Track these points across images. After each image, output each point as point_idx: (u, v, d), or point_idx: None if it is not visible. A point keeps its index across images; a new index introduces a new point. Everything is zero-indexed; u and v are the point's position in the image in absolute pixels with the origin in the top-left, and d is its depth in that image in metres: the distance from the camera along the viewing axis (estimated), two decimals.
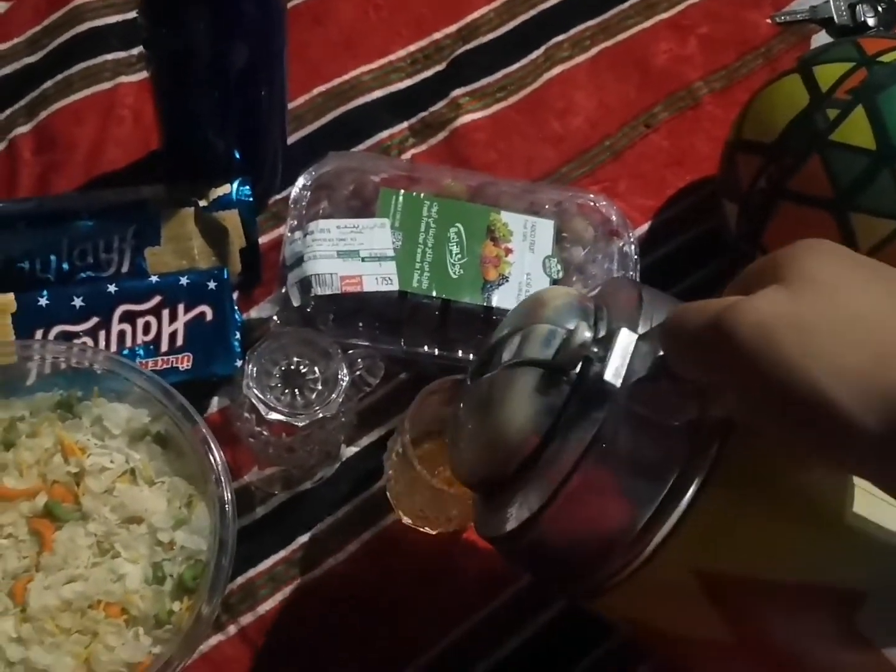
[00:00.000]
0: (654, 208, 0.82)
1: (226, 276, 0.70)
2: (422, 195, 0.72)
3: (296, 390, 0.62)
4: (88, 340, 0.67)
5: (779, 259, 0.39)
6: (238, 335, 0.69)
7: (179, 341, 0.68)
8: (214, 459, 0.59)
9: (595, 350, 0.44)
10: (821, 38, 0.91)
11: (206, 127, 0.71)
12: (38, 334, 0.66)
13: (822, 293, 0.37)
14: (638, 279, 0.73)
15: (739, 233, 0.73)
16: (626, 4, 0.90)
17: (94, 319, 0.67)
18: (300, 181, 0.73)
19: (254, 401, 0.60)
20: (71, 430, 0.62)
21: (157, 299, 0.68)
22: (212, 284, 0.69)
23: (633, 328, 0.44)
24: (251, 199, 0.72)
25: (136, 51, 0.82)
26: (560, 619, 0.66)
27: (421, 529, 0.67)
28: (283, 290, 0.69)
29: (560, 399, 0.45)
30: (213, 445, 0.59)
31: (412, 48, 0.86)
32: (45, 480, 0.60)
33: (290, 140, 0.79)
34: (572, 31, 0.89)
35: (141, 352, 0.67)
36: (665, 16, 0.91)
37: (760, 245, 0.70)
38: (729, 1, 0.92)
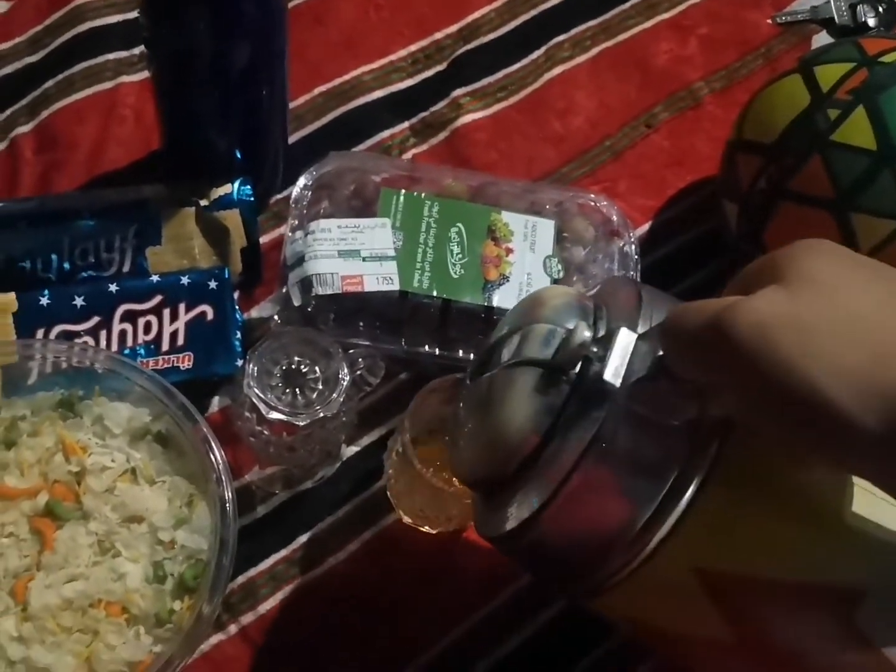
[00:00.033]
0: (654, 208, 0.82)
1: (227, 276, 0.70)
2: (423, 195, 0.72)
3: (296, 390, 0.62)
4: (89, 340, 0.67)
5: (778, 259, 0.39)
6: (239, 334, 0.69)
7: (180, 341, 0.68)
8: (215, 459, 0.59)
9: (594, 350, 0.45)
10: (821, 39, 0.91)
11: (207, 126, 0.71)
12: (40, 333, 0.66)
13: (821, 293, 0.37)
14: (638, 279, 0.73)
15: (740, 233, 0.73)
16: (627, 4, 0.91)
17: (96, 319, 0.67)
18: (301, 181, 0.73)
19: (254, 400, 0.61)
20: (72, 430, 0.62)
21: (158, 299, 0.68)
22: (213, 284, 0.69)
23: (633, 328, 0.44)
24: (252, 198, 0.73)
25: (137, 50, 0.82)
26: (560, 618, 0.66)
27: (421, 529, 0.67)
28: (284, 290, 0.69)
29: (559, 399, 0.45)
30: (213, 445, 0.59)
31: (413, 48, 0.86)
32: (47, 479, 0.60)
33: (291, 140, 0.79)
34: (573, 31, 0.89)
35: (142, 351, 0.67)
36: (666, 16, 0.91)
37: (761, 245, 0.70)
38: (729, 1, 0.92)
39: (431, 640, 0.65)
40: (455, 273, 0.70)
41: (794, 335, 0.36)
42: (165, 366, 0.67)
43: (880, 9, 0.92)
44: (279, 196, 0.78)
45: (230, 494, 0.58)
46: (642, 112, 0.86)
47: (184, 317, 0.68)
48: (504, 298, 0.69)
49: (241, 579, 0.65)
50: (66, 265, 0.70)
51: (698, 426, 0.43)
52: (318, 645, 0.64)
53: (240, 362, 0.68)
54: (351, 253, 0.69)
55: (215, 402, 0.70)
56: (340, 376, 0.62)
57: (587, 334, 0.45)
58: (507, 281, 0.70)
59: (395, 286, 0.69)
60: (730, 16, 0.91)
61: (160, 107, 0.71)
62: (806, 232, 0.41)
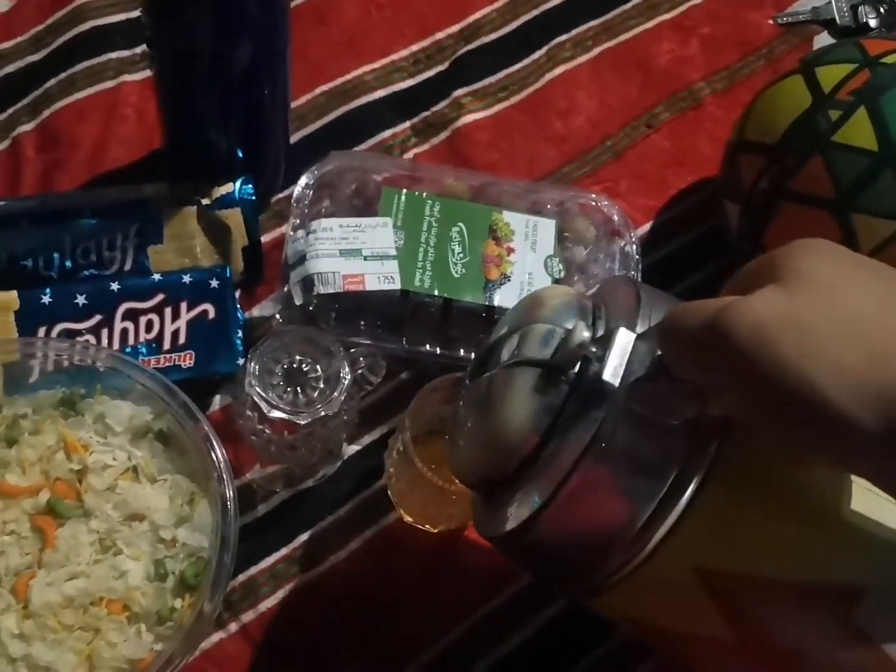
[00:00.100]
0: (655, 208, 0.82)
1: (228, 275, 0.70)
2: (424, 194, 0.73)
3: (298, 388, 0.63)
4: (91, 338, 0.67)
5: (776, 258, 0.39)
6: (240, 333, 0.70)
7: (182, 339, 0.68)
8: (216, 457, 0.59)
9: (593, 349, 0.45)
10: (823, 40, 0.91)
11: (208, 126, 0.71)
12: (41, 332, 0.66)
13: (819, 293, 0.37)
14: (639, 279, 0.73)
15: (741, 233, 0.73)
16: (629, 5, 0.91)
17: (97, 317, 0.67)
18: (302, 180, 0.73)
19: (256, 399, 0.61)
20: (73, 428, 0.62)
21: (159, 297, 0.68)
22: (214, 283, 0.69)
23: (632, 327, 0.44)
24: (254, 197, 0.73)
25: (139, 49, 0.82)
26: (561, 617, 0.66)
27: (422, 527, 0.67)
28: (286, 289, 0.69)
29: (559, 398, 0.45)
30: (215, 443, 0.59)
31: (414, 48, 0.86)
32: (48, 477, 0.60)
33: (293, 139, 0.79)
34: (574, 32, 0.89)
35: (143, 350, 0.67)
36: (667, 16, 0.91)
37: (762, 245, 0.70)
38: (731, 2, 0.92)
39: (432, 638, 0.65)
40: (456, 272, 0.70)
41: (792, 335, 0.36)
42: (167, 364, 0.67)
43: (882, 10, 0.92)
44: (281, 195, 0.78)
45: (231, 493, 0.58)
46: (643, 112, 0.86)
47: (185, 315, 0.68)
48: (505, 298, 0.70)
49: (241, 578, 0.65)
50: (68, 263, 0.70)
51: (697, 426, 0.43)
52: (319, 643, 0.65)
53: (241, 361, 0.68)
54: (352, 252, 0.69)
55: (216, 401, 0.70)
56: (342, 375, 0.62)
57: (586, 334, 0.45)
58: (509, 280, 0.70)
59: (397, 285, 0.69)
60: (731, 16, 0.91)
61: (162, 106, 0.71)
62: (807, 232, 0.41)
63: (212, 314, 0.69)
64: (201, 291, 0.69)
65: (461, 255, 0.71)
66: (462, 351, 0.69)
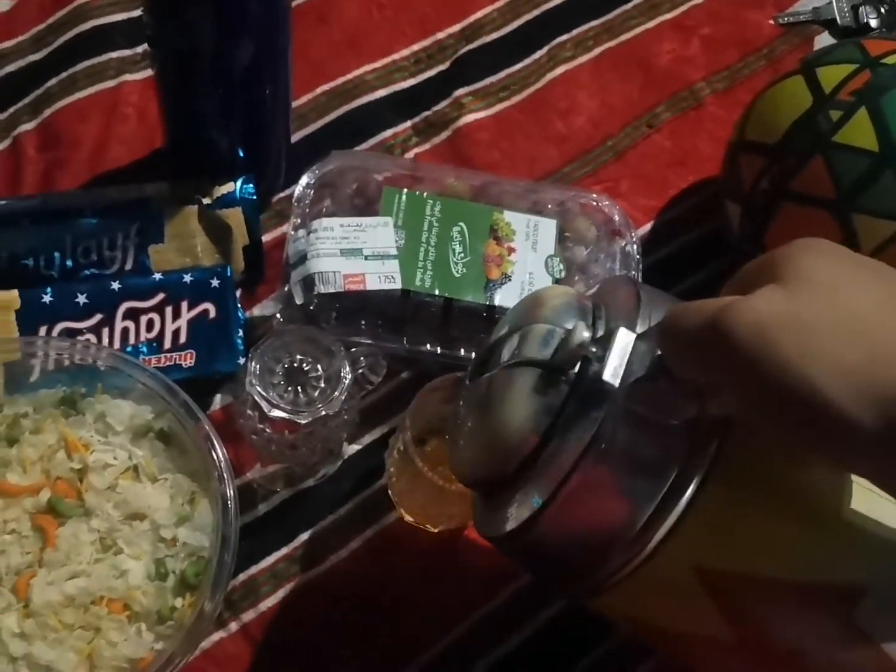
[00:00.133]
0: (656, 208, 0.82)
1: (229, 274, 0.70)
2: (425, 194, 0.73)
3: (298, 388, 0.63)
4: (92, 337, 0.67)
5: (776, 258, 0.39)
6: (241, 333, 0.70)
7: (182, 338, 0.68)
8: (217, 456, 0.59)
9: (593, 350, 0.45)
10: (824, 40, 0.91)
11: (210, 125, 0.71)
12: (42, 331, 0.66)
13: (819, 292, 0.37)
14: (640, 279, 0.73)
15: (742, 233, 0.73)
16: (630, 5, 0.91)
17: (98, 316, 0.67)
18: (303, 179, 0.73)
19: (256, 398, 0.61)
20: (74, 427, 0.62)
21: (160, 296, 0.68)
22: (215, 282, 0.69)
23: (632, 327, 0.44)
24: (255, 197, 0.73)
25: (140, 49, 0.82)
26: (561, 617, 0.66)
27: (422, 527, 0.67)
28: (286, 288, 0.69)
29: (559, 399, 0.45)
30: (215, 442, 0.59)
31: (416, 47, 0.86)
32: (49, 476, 0.60)
33: (294, 138, 0.79)
34: (575, 31, 0.89)
35: (144, 349, 0.67)
36: (668, 16, 0.91)
37: (763, 245, 0.70)
38: (732, 2, 0.92)
39: (432, 638, 0.65)
40: (457, 272, 0.70)
41: (792, 335, 0.36)
42: (167, 363, 0.67)
43: (882, 10, 0.92)
44: (282, 195, 0.78)
45: (232, 492, 0.58)
46: (644, 112, 0.86)
47: (186, 315, 0.68)
48: (506, 298, 0.70)
49: (242, 577, 0.65)
50: (69, 263, 0.70)
51: (698, 426, 0.43)
52: (320, 643, 0.65)
53: (242, 360, 0.68)
54: (353, 251, 0.69)
55: (217, 400, 0.70)
56: (342, 374, 0.62)
57: (586, 334, 0.45)
58: (509, 280, 0.70)
59: (397, 285, 0.69)
60: (732, 16, 0.91)
61: (163, 105, 0.71)
62: (808, 232, 0.41)
63: (212, 313, 0.69)
64: (202, 291, 0.69)
65: (462, 254, 0.71)
66: (463, 350, 0.70)
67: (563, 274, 0.72)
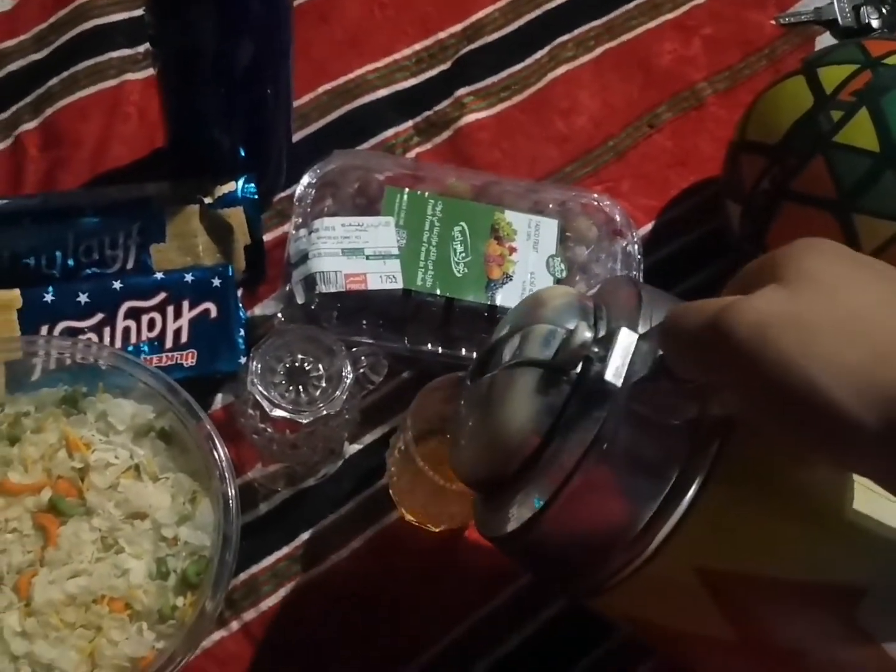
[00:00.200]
0: (657, 208, 0.82)
1: (230, 274, 0.70)
2: (426, 194, 0.73)
3: (300, 387, 0.63)
4: (93, 336, 0.67)
5: (777, 258, 0.39)
6: (242, 332, 0.70)
7: (184, 338, 0.68)
8: (218, 456, 0.59)
9: (595, 350, 0.45)
10: (825, 40, 0.91)
11: (211, 124, 0.71)
12: (44, 330, 0.66)
13: (821, 292, 0.37)
14: (641, 279, 0.73)
15: (742, 233, 0.73)
16: (631, 5, 0.91)
17: (100, 315, 0.67)
18: (305, 179, 0.73)
19: (258, 398, 0.61)
20: (76, 426, 0.62)
21: (161, 296, 0.68)
22: (216, 281, 0.69)
23: (633, 328, 0.44)
24: (256, 196, 0.73)
25: (141, 48, 0.82)
26: (561, 618, 0.66)
27: (423, 527, 0.67)
28: (288, 288, 0.69)
29: (560, 399, 0.45)
30: (217, 442, 0.59)
31: (417, 47, 0.86)
32: (50, 475, 0.60)
33: (295, 138, 0.79)
34: (577, 32, 0.89)
35: (145, 348, 0.67)
36: (669, 16, 0.91)
37: (763, 246, 0.70)
38: (733, 2, 0.92)
39: (432, 638, 0.65)
40: (458, 272, 0.70)
41: (794, 334, 0.36)
42: (169, 363, 0.67)
43: (884, 10, 0.92)
44: (283, 194, 0.78)
45: (233, 491, 0.58)
46: (645, 112, 0.86)
47: (187, 314, 0.68)
48: (507, 297, 0.70)
49: (243, 576, 0.65)
50: (71, 262, 0.70)
51: (699, 426, 0.43)
52: (320, 642, 0.65)
53: (243, 360, 0.68)
54: (354, 251, 0.69)
55: (218, 400, 0.70)
56: (343, 374, 0.62)
57: (588, 334, 0.45)
58: (511, 280, 0.71)
59: (399, 284, 0.69)
60: (733, 16, 0.91)
61: (164, 104, 0.71)
62: (808, 233, 0.41)
63: (214, 313, 0.69)
64: (203, 290, 0.69)
65: (463, 254, 0.71)
66: (464, 350, 0.70)
67: (564, 274, 0.72)
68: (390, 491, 0.67)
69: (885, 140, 0.64)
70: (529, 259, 0.72)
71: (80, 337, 0.66)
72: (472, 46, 0.87)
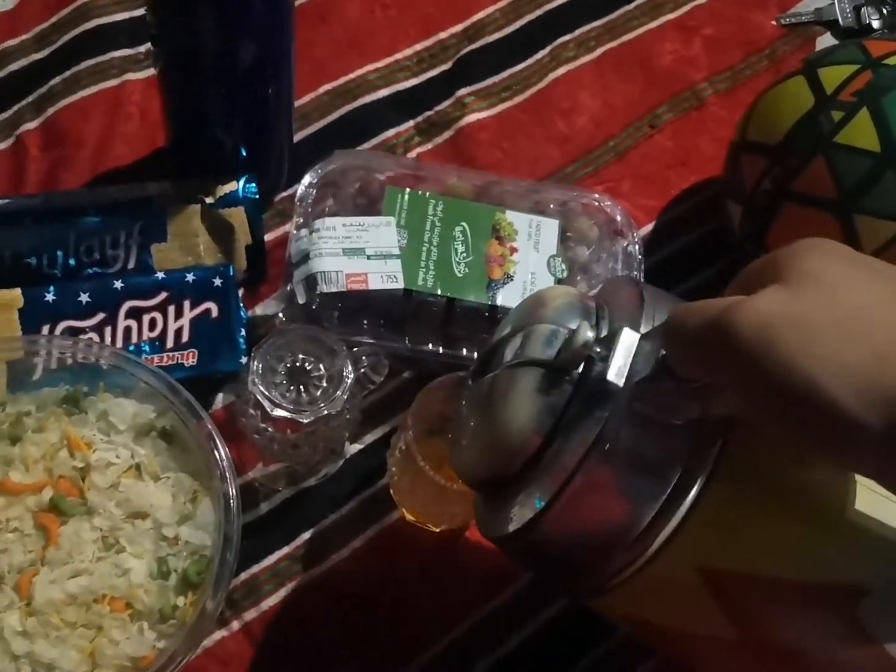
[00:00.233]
0: (658, 209, 0.82)
1: (231, 273, 0.70)
2: (427, 194, 0.73)
3: (301, 387, 0.63)
4: (94, 336, 0.67)
5: (779, 258, 0.39)
6: (243, 332, 0.70)
7: (185, 338, 0.68)
8: (219, 455, 0.59)
9: (597, 350, 0.44)
10: (826, 41, 0.91)
11: (212, 124, 0.71)
12: (45, 329, 0.66)
13: (823, 292, 0.37)
14: (642, 279, 0.73)
15: (743, 234, 0.73)
16: (632, 5, 0.91)
17: (101, 315, 0.67)
18: (306, 179, 0.73)
19: (259, 397, 0.61)
20: (77, 425, 0.62)
21: (162, 295, 0.68)
22: (217, 281, 0.69)
23: (635, 328, 0.44)
24: (257, 196, 0.73)
25: (143, 48, 0.82)
26: (561, 618, 0.66)
27: (424, 527, 0.67)
28: (289, 288, 0.69)
29: (562, 399, 0.45)
30: (218, 441, 0.59)
31: (418, 47, 0.86)
32: (51, 475, 0.60)
33: (297, 138, 0.79)
34: (578, 32, 0.89)
35: (146, 348, 0.67)
36: (670, 17, 0.91)
37: (764, 246, 0.70)
38: (734, 2, 0.92)
39: (432, 638, 0.65)
40: (459, 272, 0.70)
41: (795, 335, 0.36)
42: (170, 362, 0.67)
43: (884, 11, 0.92)
44: (284, 194, 0.78)
45: (234, 491, 0.58)
46: (646, 112, 0.86)
47: (188, 314, 0.68)
48: (508, 297, 0.70)
49: (244, 576, 0.65)
50: (72, 262, 0.70)
51: (701, 426, 0.43)
52: (321, 642, 0.65)
53: (244, 359, 0.68)
54: (355, 251, 0.69)
55: (219, 399, 0.70)
56: (344, 374, 0.62)
57: (590, 334, 0.45)
58: (511, 280, 0.71)
59: (400, 284, 0.69)
60: (734, 17, 0.92)
61: (166, 104, 0.71)
62: (809, 233, 0.41)
63: (215, 312, 0.69)
64: (204, 290, 0.69)
65: (464, 254, 0.71)
66: (465, 350, 0.70)
67: (565, 274, 0.72)
68: (391, 491, 0.67)
69: (886, 140, 0.64)
70: (530, 259, 0.72)
71: (82, 336, 0.66)
72: (473, 46, 0.87)
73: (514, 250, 0.72)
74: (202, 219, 0.72)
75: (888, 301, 0.37)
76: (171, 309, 0.68)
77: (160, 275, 0.69)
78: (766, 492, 0.44)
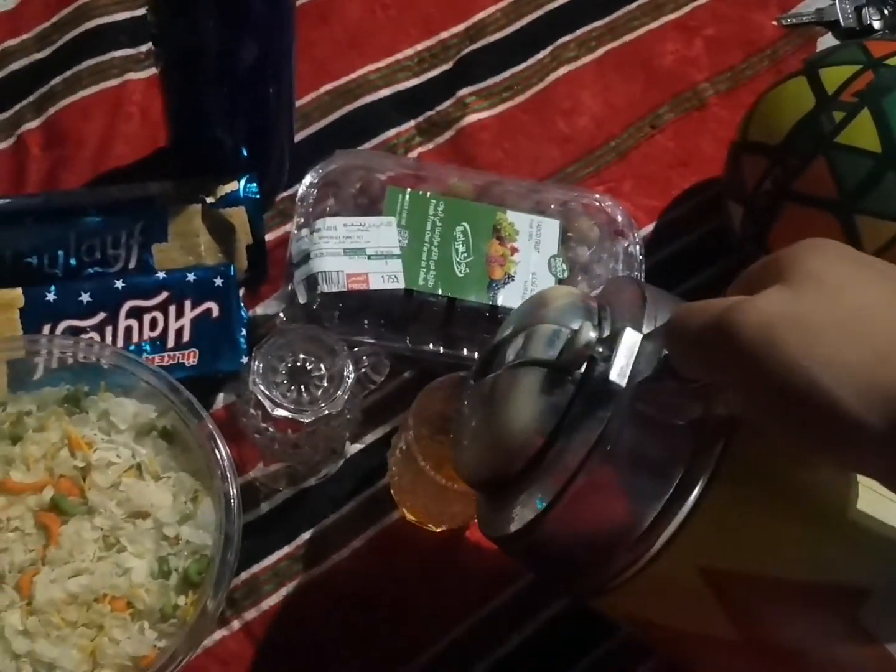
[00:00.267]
0: (659, 209, 0.82)
1: (232, 273, 0.70)
2: (428, 194, 0.73)
3: (301, 387, 0.63)
4: (95, 335, 0.67)
5: (782, 258, 0.39)
6: (244, 332, 0.70)
7: (186, 337, 0.68)
8: (220, 455, 0.59)
9: (600, 350, 0.44)
10: (827, 41, 0.91)
11: (213, 124, 0.71)
12: (46, 329, 0.66)
13: (825, 292, 0.37)
14: (642, 279, 0.73)
15: (744, 234, 0.73)
16: (633, 5, 0.91)
17: (102, 315, 0.67)
18: (307, 179, 0.73)
19: (260, 397, 0.61)
20: (78, 425, 0.62)
21: (163, 295, 0.68)
22: (218, 281, 0.69)
23: (638, 328, 0.44)
24: (258, 196, 0.73)
25: (144, 48, 0.82)
26: (561, 618, 0.66)
27: (424, 526, 0.67)
28: (290, 287, 0.69)
29: (564, 399, 0.45)
30: (218, 441, 0.59)
31: (419, 47, 0.86)
32: (52, 474, 0.60)
33: (298, 138, 0.79)
34: (579, 32, 0.89)
35: (147, 347, 0.67)
36: (672, 17, 0.91)
37: (765, 246, 0.70)
38: (735, 2, 0.92)
39: (432, 638, 0.65)
40: (460, 272, 0.70)
41: (798, 335, 0.36)
42: (171, 362, 0.67)
43: (885, 11, 0.92)
44: (285, 194, 0.78)
45: (235, 491, 0.58)
46: (647, 113, 0.86)
47: (189, 313, 0.69)
48: (509, 297, 0.70)
49: (244, 575, 0.65)
50: (73, 261, 0.70)
51: (703, 425, 0.43)
52: (321, 641, 0.65)
53: (245, 359, 0.68)
54: (356, 251, 0.69)
55: (220, 399, 0.70)
56: (345, 374, 0.62)
57: (592, 334, 0.45)
58: (512, 280, 0.71)
59: (401, 284, 0.69)
60: (735, 17, 0.92)
61: (167, 104, 0.71)
62: (810, 233, 0.41)
63: (216, 312, 0.69)
64: (205, 289, 0.69)
65: (465, 254, 0.71)
66: (465, 350, 0.70)
67: (566, 274, 0.72)
68: (391, 491, 0.67)
69: (887, 141, 0.64)
70: (531, 259, 0.72)
71: (82, 336, 0.66)
72: (475, 46, 0.87)
73: (514, 250, 0.72)
74: (203, 218, 0.72)
75: (890, 301, 0.37)
76: (172, 309, 0.68)
77: (161, 274, 0.69)
78: (767, 492, 0.44)
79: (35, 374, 0.64)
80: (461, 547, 0.68)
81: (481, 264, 0.71)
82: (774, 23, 0.92)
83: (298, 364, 0.63)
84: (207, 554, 0.59)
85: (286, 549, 0.67)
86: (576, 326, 0.46)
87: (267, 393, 0.61)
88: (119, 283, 0.68)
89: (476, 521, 0.58)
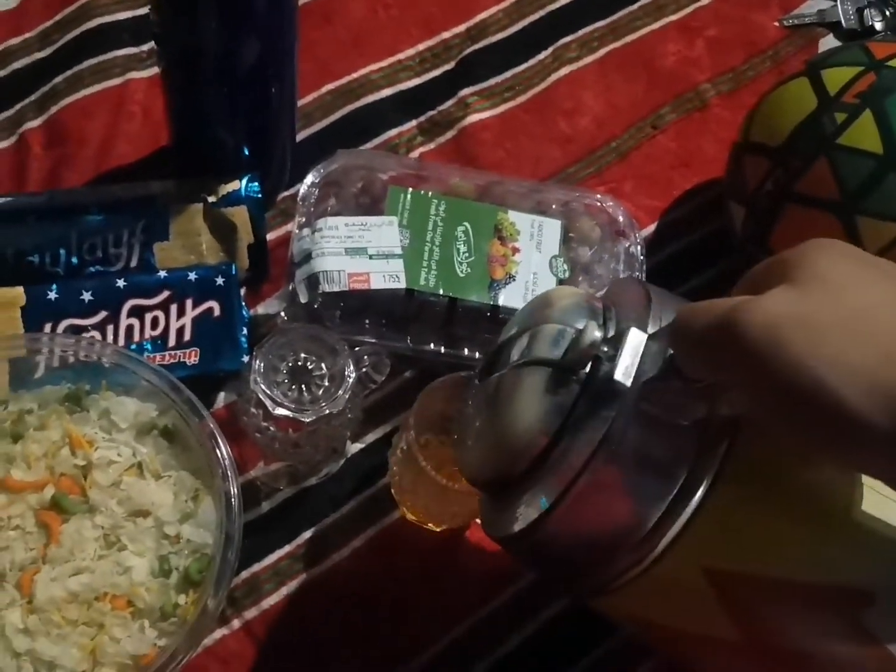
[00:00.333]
0: (660, 209, 0.82)
1: (234, 272, 0.70)
2: (430, 194, 0.73)
3: (302, 386, 0.63)
4: (97, 334, 0.67)
5: (787, 259, 0.39)
6: (245, 331, 0.70)
7: (187, 336, 0.68)
8: (221, 454, 0.59)
9: (605, 349, 0.44)
10: (828, 42, 0.91)
11: (215, 123, 0.71)
12: (47, 328, 0.66)
13: (830, 292, 0.37)
14: (644, 279, 0.73)
15: (746, 235, 0.73)
16: (635, 6, 0.91)
17: (103, 313, 0.67)
18: (309, 178, 0.73)
19: (261, 396, 0.61)
20: (79, 424, 0.62)
21: (165, 294, 0.68)
22: (220, 280, 0.69)
23: (643, 328, 0.44)
24: (260, 195, 0.73)
25: (146, 47, 0.82)
26: (561, 617, 0.66)
27: (425, 526, 0.67)
28: (291, 287, 0.69)
29: (569, 399, 0.45)
30: (219, 440, 0.59)
31: (421, 47, 0.86)
32: (53, 473, 0.60)
33: (299, 137, 0.79)
34: (581, 32, 0.89)
35: (148, 346, 0.67)
36: (673, 17, 0.91)
37: (767, 247, 0.70)
38: (737, 3, 0.92)
39: (433, 637, 0.65)
40: (461, 272, 0.70)
41: (803, 335, 0.36)
42: (172, 361, 0.67)
43: (887, 13, 0.92)
44: (286, 193, 0.78)
45: (235, 490, 0.58)
46: (649, 113, 0.86)
47: (190, 312, 0.68)
48: (510, 298, 0.70)
49: (245, 574, 0.65)
50: (74, 260, 0.70)
51: (708, 425, 0.43)
52: (321, 641, 0.65)
53: (246, 358, 0.68)
54: (358, 250, 0.69)
55: (221, 398, 0.70)
56: (346, 373, 0.62)
57: (597, 334, 0.45)
58: (513, 280, 0.71)
59: (402, 284, 0.69)
60: (737, 18, 0.92)
61: (169, 103, 0.71)
62: (812, 234, 0.41)
63: (217, 311, 0.69)
64: (207, 289, 0.69)
65: (466, 254, 0.71)
66: (466, 350, 0.70)
67: (567, 274, 0.72)
68: (392, 490, 0.67)
69: (889, 142, 0.64)
70: (532, 259, 0.72)
71: (84, 335, 0.66)
72: (476, 47, 0.87)
73: (516, 250, 0.72)
74: (205, 218, 0.72)
75: (892, 301, 0.37)
76: (174, 307, 0.68)
77: (162, 273, 0.69)
78: (772, 492, 0.44)
79: (36, 372, 0.64)
80: (461, 547, 0.68)
81: (482, 264, 0.71)
82: (776, 24, 0.92)
83: (299, 363, 0.63)
84: (208, 553, 0.59)
85: (287, 549, 0.67)
86: (581, 326, 0.46)
87: (268, 392, 0.61)
88: (120, 282, 0.68)
89: (476, 520, 0.58)
